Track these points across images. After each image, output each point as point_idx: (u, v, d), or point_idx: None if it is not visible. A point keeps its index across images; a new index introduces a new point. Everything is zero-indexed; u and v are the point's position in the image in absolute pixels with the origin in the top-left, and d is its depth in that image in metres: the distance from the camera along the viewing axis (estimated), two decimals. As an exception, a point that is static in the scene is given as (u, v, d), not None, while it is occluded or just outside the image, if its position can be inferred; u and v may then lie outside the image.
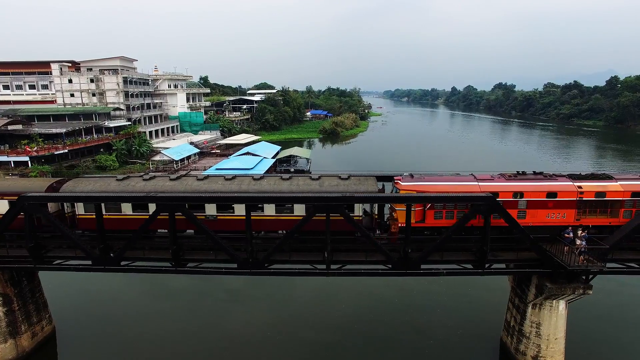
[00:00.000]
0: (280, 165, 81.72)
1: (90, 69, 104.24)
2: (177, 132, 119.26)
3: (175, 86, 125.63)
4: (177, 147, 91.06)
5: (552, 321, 23.35)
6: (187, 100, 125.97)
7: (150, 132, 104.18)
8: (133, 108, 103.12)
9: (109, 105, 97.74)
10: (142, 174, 27.10)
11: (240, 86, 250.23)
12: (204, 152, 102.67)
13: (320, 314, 31.57)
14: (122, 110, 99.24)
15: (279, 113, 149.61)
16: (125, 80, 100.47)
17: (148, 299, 33.54)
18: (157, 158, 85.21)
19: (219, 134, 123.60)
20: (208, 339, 28.22)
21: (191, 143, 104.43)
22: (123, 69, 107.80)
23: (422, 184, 24.07)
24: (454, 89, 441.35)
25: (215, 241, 21.47)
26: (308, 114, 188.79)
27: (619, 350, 27.33)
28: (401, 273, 21.87)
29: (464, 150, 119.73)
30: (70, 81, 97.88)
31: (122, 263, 23.27)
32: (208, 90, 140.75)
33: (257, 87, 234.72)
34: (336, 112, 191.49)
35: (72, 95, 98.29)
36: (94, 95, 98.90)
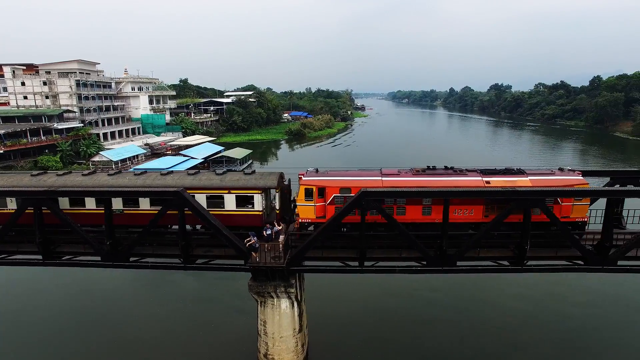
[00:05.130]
0: (214, 166, 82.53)
1: (49, 72, 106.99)
2: (139, 134, 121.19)
3: (140, 89, 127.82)
4: (119, 148, 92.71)
5: (276, 320, 23.35)
6: (151, 102, 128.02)
7: (106, 134, 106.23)
8: (88, 110, 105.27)
9: (62, 108, 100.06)
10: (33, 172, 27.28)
11: (238, 88, 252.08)
12: (159, 153, 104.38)
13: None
14: (75, 112, 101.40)
15: (249, 115, 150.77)
16: (78, 83, 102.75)
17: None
18: (96, 159, 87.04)
19: (181, 135, 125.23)
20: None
21: (146, 144, 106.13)
22: (82, 72, 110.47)
23: (323, 178, 23.76)
24: (451, 90, 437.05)
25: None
26: (286, 115, 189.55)
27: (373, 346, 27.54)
28: (181, 267, 22.80)
29: (436, 149, 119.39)
30: (23, 84, 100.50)
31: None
32: (173, 93, 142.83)
33: (244, 89, 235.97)
34: (317, 113, 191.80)
35: (25, 97, 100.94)
36: (47, 97, 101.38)
